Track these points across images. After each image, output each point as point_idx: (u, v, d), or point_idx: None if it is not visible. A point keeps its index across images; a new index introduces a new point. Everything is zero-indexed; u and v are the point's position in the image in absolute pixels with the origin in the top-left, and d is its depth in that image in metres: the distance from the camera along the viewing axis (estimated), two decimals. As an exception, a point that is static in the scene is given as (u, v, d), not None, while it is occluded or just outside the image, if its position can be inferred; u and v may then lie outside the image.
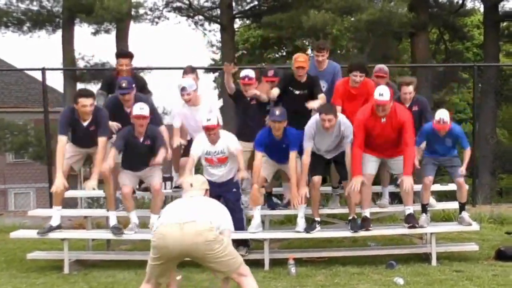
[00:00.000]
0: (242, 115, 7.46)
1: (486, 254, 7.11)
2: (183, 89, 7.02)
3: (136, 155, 6.75)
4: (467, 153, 7.01)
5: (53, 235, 6.86)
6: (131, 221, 6.87)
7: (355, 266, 6.65)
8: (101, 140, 6.59)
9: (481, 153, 16.77)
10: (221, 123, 6.75)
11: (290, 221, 8.42)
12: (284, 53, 24.71)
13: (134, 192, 7.18)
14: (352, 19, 15.98)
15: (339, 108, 6.91)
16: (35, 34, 19.19)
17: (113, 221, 6.87)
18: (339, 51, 19.67)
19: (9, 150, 19.15)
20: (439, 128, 6.65)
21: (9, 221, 9.69)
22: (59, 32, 18.56)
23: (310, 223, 6.89)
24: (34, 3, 18.67)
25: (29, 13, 18.61)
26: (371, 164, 6.77)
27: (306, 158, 6.66)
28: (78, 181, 12.64)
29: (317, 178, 6.77)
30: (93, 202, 12.97)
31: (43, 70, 9.75)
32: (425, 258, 6.97)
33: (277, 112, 6.68)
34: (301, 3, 16.94)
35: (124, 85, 6.80)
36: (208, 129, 6.62)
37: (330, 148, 6.84)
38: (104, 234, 7.13)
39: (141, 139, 6.71)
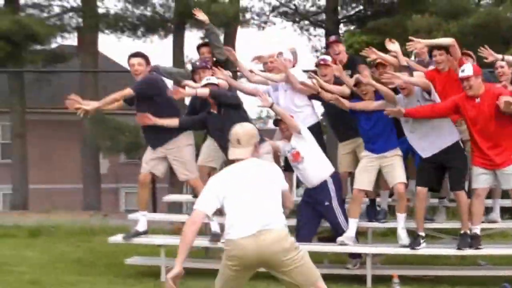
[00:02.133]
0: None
1: None
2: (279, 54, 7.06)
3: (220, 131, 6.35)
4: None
5: (151, 240, 6.92)
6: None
7: (464, 286, 6.33)
8: (126, 89, 6.56)
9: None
10: None
11: (394, 233, 8.13)
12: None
13: None
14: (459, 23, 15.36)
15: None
16: (148, 39, 19.94)
17: (214, 227, 6.71)
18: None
19: (121, 151, 19.86)
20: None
21: (115, 222, 9.99)
22: (171, 37, 19.15)
23: (415, 238, 6.53)
24: (148, 8, 19.40)
25: (143, 18, 19.34)
26: (482, 177, 6.34)
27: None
28: (184, 184, 12.85)
29: (423, 190, 6.44)
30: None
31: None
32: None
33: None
34: (407, 8, 16.52)
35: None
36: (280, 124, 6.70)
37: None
38: (201, 242, 6.86)
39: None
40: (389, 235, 8.32)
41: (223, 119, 6.32)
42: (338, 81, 6.96)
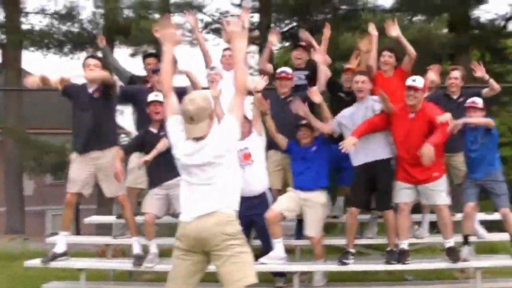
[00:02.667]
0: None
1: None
2: (212, 68, 7.05)
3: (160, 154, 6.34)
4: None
5: (71, 264, 6.61)
6: (150, 251, 6.50)
7: (391, 302, 6.28)
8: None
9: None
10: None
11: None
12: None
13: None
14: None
15: None
16: (76, 56, 19.44)
17: (136, 249, 6.52)
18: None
19: (47, 172, 19.24)
20: (469, 105, 6.40)
21: (36, 246, 9.52)
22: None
23: (344, 254, 6.50)
24: (75, 25, 18.92)
25: (69, 35, 18.86)
26: (404, 192, 6.35)
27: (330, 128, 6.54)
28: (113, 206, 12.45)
29: (355, 210, 6.45)
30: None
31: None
32: (468, 294, 6.52)
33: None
34: (339, 25, 16.69)
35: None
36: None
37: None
38: (123, 264, 6.71)
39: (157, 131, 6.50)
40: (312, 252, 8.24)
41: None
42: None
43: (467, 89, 7.05)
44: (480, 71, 6.86)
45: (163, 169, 6.28)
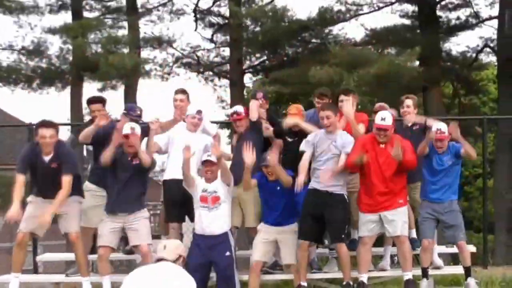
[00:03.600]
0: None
1: (497, 325, 6.45)
2: (199, 112, 6.86)
3: (121, 186, 6.34)
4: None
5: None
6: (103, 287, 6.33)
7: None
8: (65, 179, 6.13)
9: (497, 208, 16.09)
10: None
11: (287, 284, 7.86)
12: (300, 109, 24.43)
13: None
14: (359, 72, 15.65)
15: None
16: (44, 91, 19.31)
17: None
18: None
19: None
20: (438, 137, 6.30)
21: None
22: (68, 89, 18.61)
23: None
24: (43, 60, 18.81)
25: (38, 70, 18.74)
26: (369, 225, 6.31)
27: (305, 156, 6.38)
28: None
29: (305, 243, 6.31)
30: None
31: (30, 126, 9.44)
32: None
33: (269, 157, 6.37)
34: (309, 59, 16.76)
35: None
36: (207, 166, 6.32)
37: (324, 155, 6.35)
38: None
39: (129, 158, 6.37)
40: (282, 286, 8.05)
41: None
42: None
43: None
44: (454, 133, 6.66)
45: (122, 200, 6.29)
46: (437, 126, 6.46)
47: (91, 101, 7.30)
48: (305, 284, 6.35)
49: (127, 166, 6.35)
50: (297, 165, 6.44)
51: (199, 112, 6.94)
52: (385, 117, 6.22)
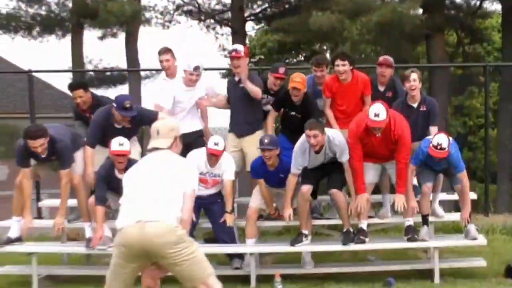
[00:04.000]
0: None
1: (495, 270, 6.53)
2: (196, 68, 6.72)
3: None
4: (463, 185, 6.29)
5: (23, 248, 6.47)
6: (103, 234, 6.32)
7: (350, 283, 6.20)
8: (64, 173, 6.24)
9: (500, 158, 16.14)
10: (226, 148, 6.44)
11: (288, 231, 7.95)
12: (302, 58, 24.23)
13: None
14: (362, 20, 15.40)
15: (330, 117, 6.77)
16: (45, 39, 19.11)
17: (88, 233, 6.46)
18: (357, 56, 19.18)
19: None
20: (434, 154, 6.01)
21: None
22: (69, 37, 18.42)
23: (296, 236, 6.42)
24: (43, 7, 18.57)
25: (38, 17, 18.52)
26: (370, 172, 6.32)
27: (292, 179, 6.26)
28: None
29: (306, 188, 6.24)
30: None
31: (29, 72, 9.40)
32: (428, 274, 6.40)
33: (266, 140, 6.25)
34: (310, 7, 16.49)
35: (128, 105, 6.31)
36: (213, 154, 6.24)
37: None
38: (77, 248, 6.66)
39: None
40: (284, 233, 8.17)
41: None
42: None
43: (426, 97, 6.84)
44: (463, 221, 6.54)
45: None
46: (438, 140, 6.07)
47: (73, 86, 7.05)
48: (306, 232, 6.37)
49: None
50: (297, 137, 6.34)
51: (196, 68, 6.79)
52: (378, 112, 5.92)
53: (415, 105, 6.59)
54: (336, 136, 6.23)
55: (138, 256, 3.95)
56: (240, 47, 6.85)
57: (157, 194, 4.01)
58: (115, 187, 5.91)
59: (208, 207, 6.47)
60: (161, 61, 7.02)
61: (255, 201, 6.60)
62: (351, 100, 6.77)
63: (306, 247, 6.38)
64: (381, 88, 7.01)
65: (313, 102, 6.79)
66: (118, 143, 6.10)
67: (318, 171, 6.37)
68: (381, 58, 7.11)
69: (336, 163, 6.32)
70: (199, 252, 4.06)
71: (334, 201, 6.39)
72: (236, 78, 6.81)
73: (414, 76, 6.55)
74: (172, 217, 3.97)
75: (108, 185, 6.26)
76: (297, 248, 6.36)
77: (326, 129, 6.22)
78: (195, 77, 6.78)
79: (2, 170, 21.28)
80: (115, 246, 4.05)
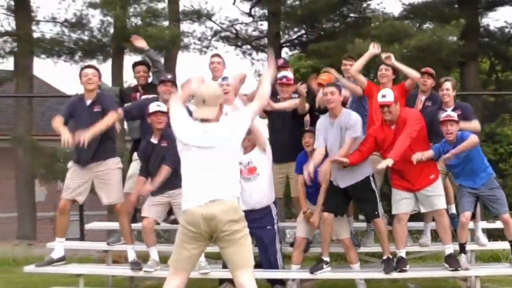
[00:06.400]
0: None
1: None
2: (224, 79, 6.89)
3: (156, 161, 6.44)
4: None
5: (68, 269, 6.68)
6: (150, 257, 6.55)
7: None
8: (111, 113, 6.37)
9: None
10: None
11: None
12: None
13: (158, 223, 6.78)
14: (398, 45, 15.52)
15: None
16: (86, 64, 19.46)
17: (131, 256, 6.63)
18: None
19: (58, 178, 19.35)
20: (444, 119, 6.24)
21: (39, 251, 9.48)
22: (110, 61, 18.81)
23: (317, 263, 6.54)
24: (86, 33, 19.03)
25: (80, 42, 18.96)
26: (404, 202, 6.37)
27: (318, 152, 6.35)
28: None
29: (327, 215, 6.37)
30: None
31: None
32: (469, 303, 6.47)
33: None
34: (347, 32, 16.69)
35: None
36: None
37: (334, 147, 6.34)
38: (122, 270, 6.83)
39: (158, 141, 6.50)
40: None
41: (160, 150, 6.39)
42: None
43: (460, 103, 7.06)
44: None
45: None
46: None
47: (136, 63, 7.60)
48: (327, 259, 6.46)
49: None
50: None
51: (224, 78, 6.96)
52: (385, 93, 6.19)
53: (449, 110, 6.69)
54: (353, 113, 6.41)
55: (201, 234, 4.24)
56: (290, 74, 7.08)
57: (216, 173, 4.26)
58: (153, 154, 6.40)
59: (256, 232, 6.21)
60: (212, 63, 7.41)
61: (302, 231, 6.72)
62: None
63: (327, 274, 6.48)
64: (422, 97, 7.16)
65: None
66: (156, 105, 6.42)
67: (342, 196, 6.42)
68: (424, 68, 7.27)
69: (362, 193, 6.36)
70: (249, 241, 4.40)
71: (377, 229, 6.51)
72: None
73: (448, 85, 6.79)
74: (232, 195, 4.29)
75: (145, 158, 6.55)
76: (342, 275, 6.51)
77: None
78: (226, 87, 6.73)
79: (42, 192, 21.76)
80: (181, 226, 4.36)
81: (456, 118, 6.31)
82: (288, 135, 6.94)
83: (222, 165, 4.29)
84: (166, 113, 6.22)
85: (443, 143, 6.33)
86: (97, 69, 6.64)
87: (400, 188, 6.36)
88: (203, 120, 4.33)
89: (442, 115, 6.35)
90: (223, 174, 4.28)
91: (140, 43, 7.52)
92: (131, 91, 7.64)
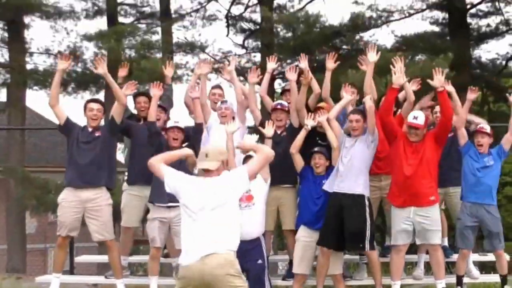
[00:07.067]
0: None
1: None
2: (223, 102, 6.94)
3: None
4: None
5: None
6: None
7: None
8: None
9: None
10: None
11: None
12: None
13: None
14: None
15: None
16: (79, 95, 19.56)
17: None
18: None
19: (48, 210, 19.21)
20: (478, 131, 6.30)
21: (27, 285, 9.37)
22: (102, 93, 18.84)
23: None
24: (79, 65, 19.10)
25: (73, 74, 18.99)
26: (403, 234, 6.34)
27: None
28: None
29: (325, 250, 6.37)
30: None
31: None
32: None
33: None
34: (340, 64, 16.75)
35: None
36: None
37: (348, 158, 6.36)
38: None
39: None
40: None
41: None
42: None
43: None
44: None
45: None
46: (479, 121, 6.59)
47: (138, 94, 7.50)
48: None
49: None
50: None
51: (223, 102, 7.02)
52: (417, 115, 6.23)
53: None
54: None
55: (197, 286, 4.26)
56: (285, 102, 7.19)
57: (215, 226, 4.34)
58: None
59: (246, 266, 5.97)
60: (213, 94, 7.49)
61: (303, 266, 6.60)
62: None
63: None
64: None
65: None
66: (174, 121, 6.63)
67: (339, 229, 6.34)
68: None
69: (352, 218, 6.28)
70: None
71: (369, 260, 6.51)
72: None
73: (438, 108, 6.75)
74: (230, 250, 4.32)
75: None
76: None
77: None
78: (224, 110, 6.86)
79: (32, 224, 21.60)
80: (178, 279, 4.43)
81: (488, 131, 6.36)
82: (282, 157, 6.79)
83: (219, 220, 4.38)
84: (183, 130, 6.48)
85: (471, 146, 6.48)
86: (102, 104, 6.69)
87: (397, 204, 6.30)
88: (205, 171, 4.54)
89: (478, 127, 6.46)
90: (219, 228, 4.35)
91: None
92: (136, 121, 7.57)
